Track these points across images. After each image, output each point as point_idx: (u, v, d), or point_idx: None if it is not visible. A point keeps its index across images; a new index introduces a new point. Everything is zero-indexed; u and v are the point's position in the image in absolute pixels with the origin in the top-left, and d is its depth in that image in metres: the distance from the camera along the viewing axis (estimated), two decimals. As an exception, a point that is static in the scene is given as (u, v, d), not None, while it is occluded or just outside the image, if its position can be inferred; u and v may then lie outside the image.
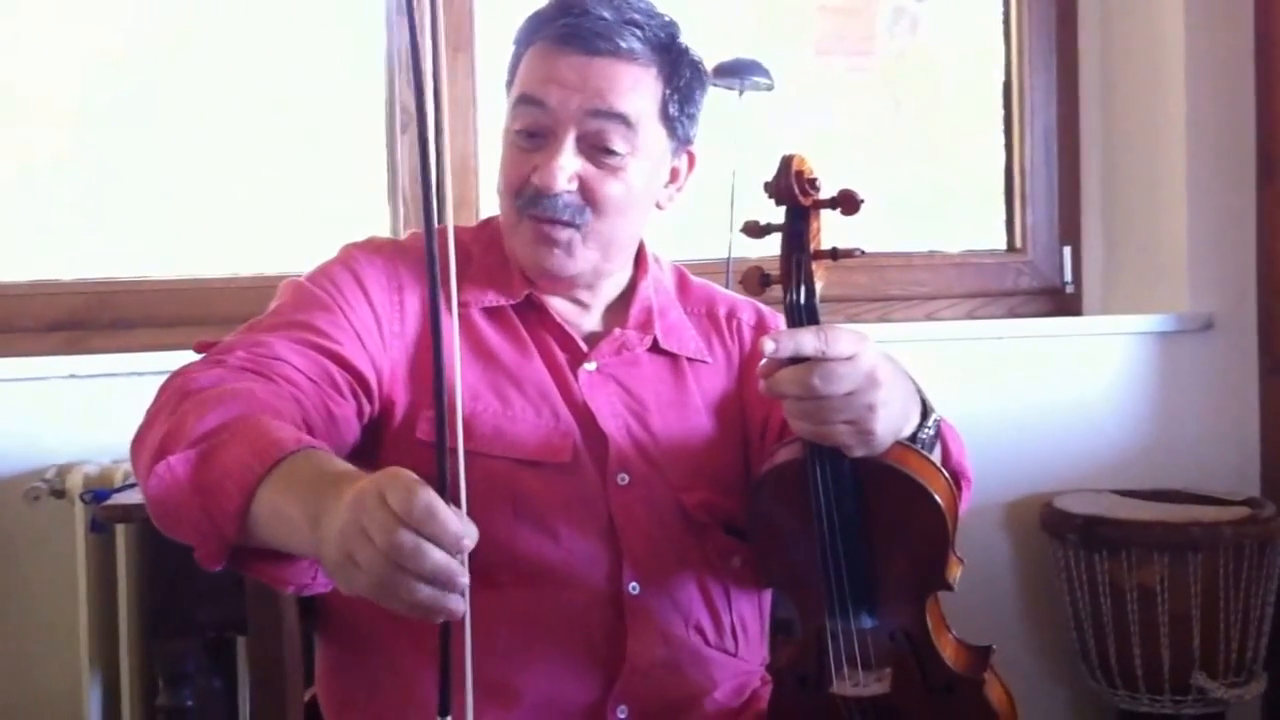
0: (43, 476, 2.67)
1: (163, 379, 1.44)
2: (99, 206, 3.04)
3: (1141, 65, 3.31)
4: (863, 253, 1.42)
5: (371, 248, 1.66)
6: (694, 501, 1.62)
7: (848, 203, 1.40)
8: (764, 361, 1.31)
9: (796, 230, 1.42)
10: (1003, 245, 3.50)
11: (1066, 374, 3.24)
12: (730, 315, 1.78)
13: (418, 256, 1.62)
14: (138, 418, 1.41)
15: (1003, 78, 3.49)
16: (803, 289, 1.40)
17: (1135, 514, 2.94)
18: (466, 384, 1.57)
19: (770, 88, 2.81)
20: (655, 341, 1.69)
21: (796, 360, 1.28)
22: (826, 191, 1.43)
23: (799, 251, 1.41)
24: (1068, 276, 3.44)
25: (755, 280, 1.44)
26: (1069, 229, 3.45)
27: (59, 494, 2.63)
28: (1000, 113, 3.48)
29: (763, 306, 1.80)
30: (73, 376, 2.78)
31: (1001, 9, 3.47)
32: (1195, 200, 3.21)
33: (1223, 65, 3.21)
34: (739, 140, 2.80)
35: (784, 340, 1.28)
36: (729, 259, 2.83)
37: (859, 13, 3.72)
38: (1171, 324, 3.23)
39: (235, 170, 3.07)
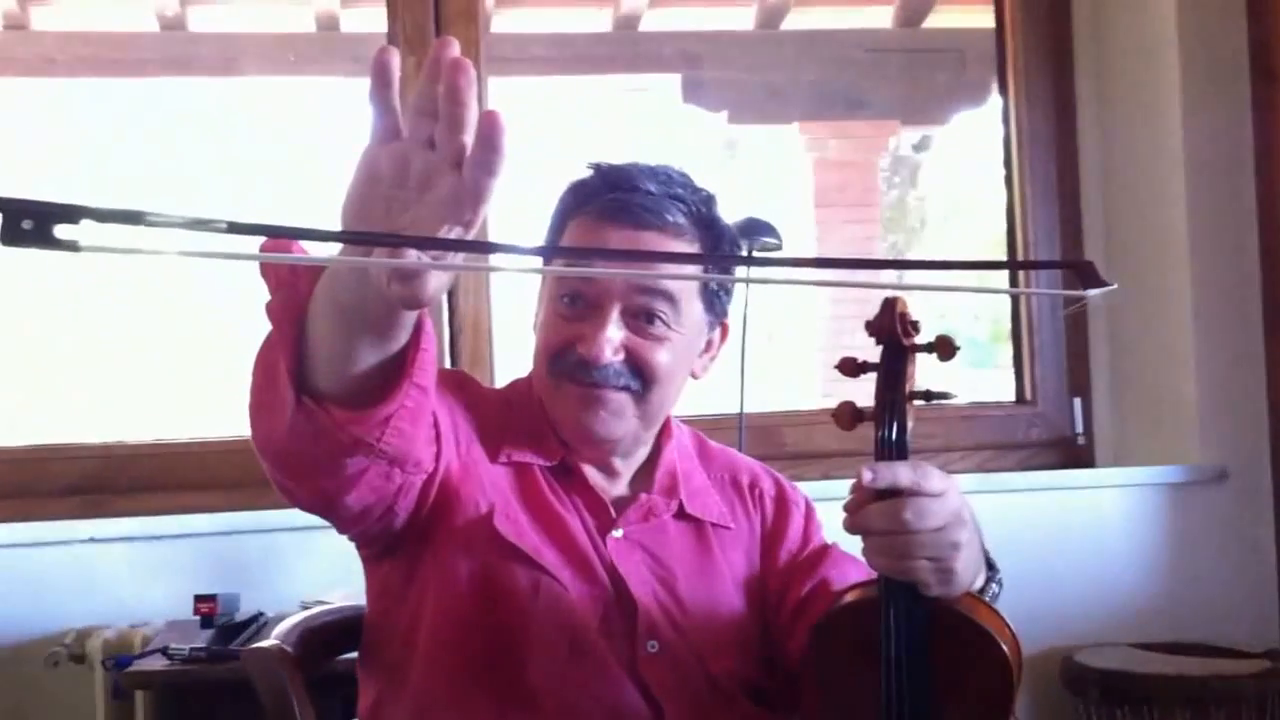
0: (62, 641, 2.66)
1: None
2: (117, 371, 3.07)
3: (1145, 217, 3.36)
4: (954, 395, 1.48)
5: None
6: (720, 670, 1.61)
7: (944, 347, 1.45)
8: (852, 495, 1.35)
9: (894, 369, 1.47)
10: (1011, 397, 3.52)
11: (1081, 526, 3.25)
12: (753, 485, 1.79)
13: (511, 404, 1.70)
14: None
15: (1005, 225, 3.53)
16: (895, 426, 1.44)
17: (1156, 668, 2.92)
18: (524, 527, 1.59)
19: (779, 248, 2.84)
20: (680, 507, 1.70)
21: (883, 495, 1.32)
22: (924, 336, 1.47)
23: (895, 390, 1.46)
24: (1078, 428, 3.45)
25: (847, 416, 1.48)
26: (1078, 380, 3.47)
27: (78, 659, 2.63)
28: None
29: (781, 476, 1.83)
30: (91, 540, 2.79)
31: (1003, 156, 3.53)
32: (1203, 351, 3.24)
33: (1226, 216, 3.26)
34: (746, 297, 2.82)
35: (882, 471, 1.32)
36: (741, 413, 2.84)
37: (859, 165, 3.80)
38: (1185, 475, 3.24)
39: (253, 335, 3.11)
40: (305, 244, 1.19)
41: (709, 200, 1.67)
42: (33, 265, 3.03)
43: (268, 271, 1.26)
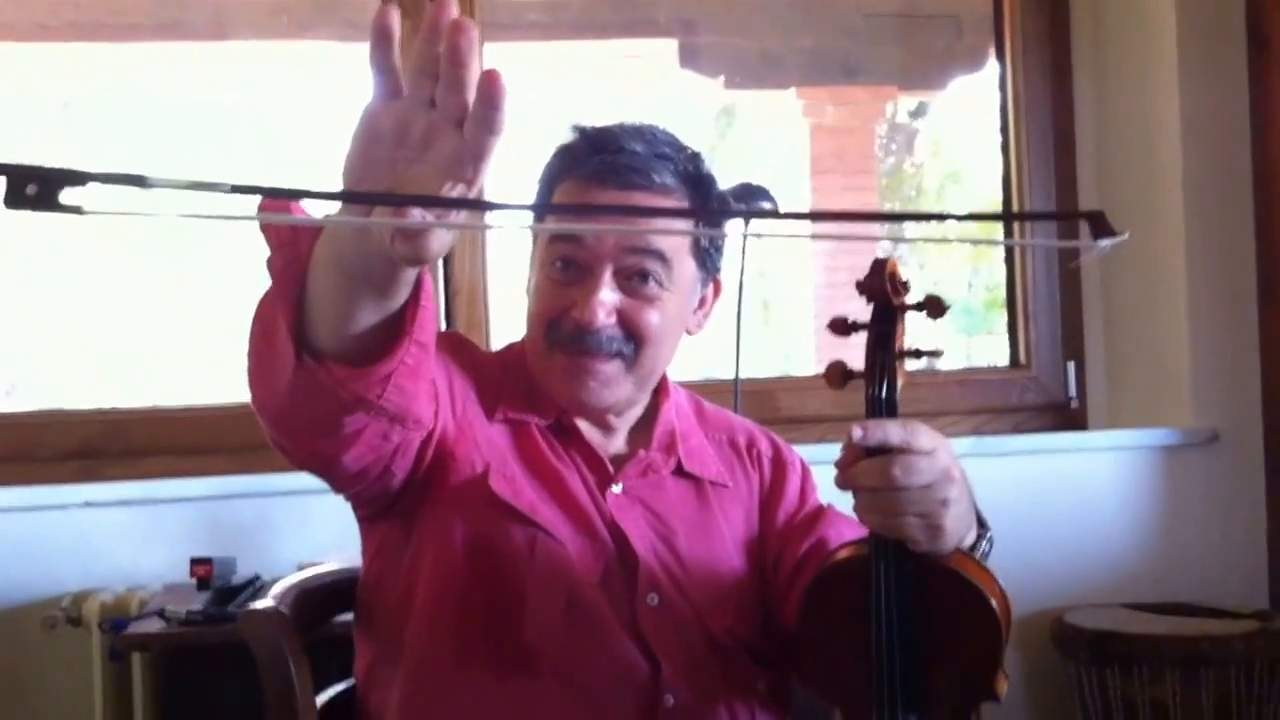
0: (59, 604, 2.68)
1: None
2: (114, 337, 3.08)
3: (1140, 185, 3.37)
4: (943, 352, 1.50)
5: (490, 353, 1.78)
6: (720, 627, 1.62)
7: (934, 306, 1.46)
8: (843, 452, 1.37)
9: (884, 328, 1.48)
10: (1006, 361, 3.53)
11: (1073, 489, 3.26)
12: (750, 445, 1.80)
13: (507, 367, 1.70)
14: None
15: (1001, 191, 3.54)
16: (885, 384, 1.46)
17: (1146, 629, 2.94)
18: (521, 485, 1.60)
19: (776, 214, 2.84)
20: (679, 464, 1.71)
21: (874, 452, 1.34)
22: (914, 294, 1.48)
23: (885, 349, 1.47)
24: (1072, 392, 3.46)
25: (838, 375, 1.49)
26: (1072, 344, 3.48)
27: (75, 622, 2.64)
28: (1000, 227, 3.51)
29: (777, 437, 1.84)
30: (88, 505, 2.80)
31: (999, 122, 3.53)
32: (1196, 315, 3.25)
33: (1221, 182, 3.27)
34: (743, 262, 2.82)
35: (872, 428, 1.34)
36: (736, 378, 2.84)
37: (856, 132, 3.79)
38: (1177, 438, 3.26)
39: (250, 301, 3.12)
40: (306, 203, 1.19)
41: (695, 158, 1.67)
42: (30, 230, 3.03)
43: (269, 229, 1.26)
